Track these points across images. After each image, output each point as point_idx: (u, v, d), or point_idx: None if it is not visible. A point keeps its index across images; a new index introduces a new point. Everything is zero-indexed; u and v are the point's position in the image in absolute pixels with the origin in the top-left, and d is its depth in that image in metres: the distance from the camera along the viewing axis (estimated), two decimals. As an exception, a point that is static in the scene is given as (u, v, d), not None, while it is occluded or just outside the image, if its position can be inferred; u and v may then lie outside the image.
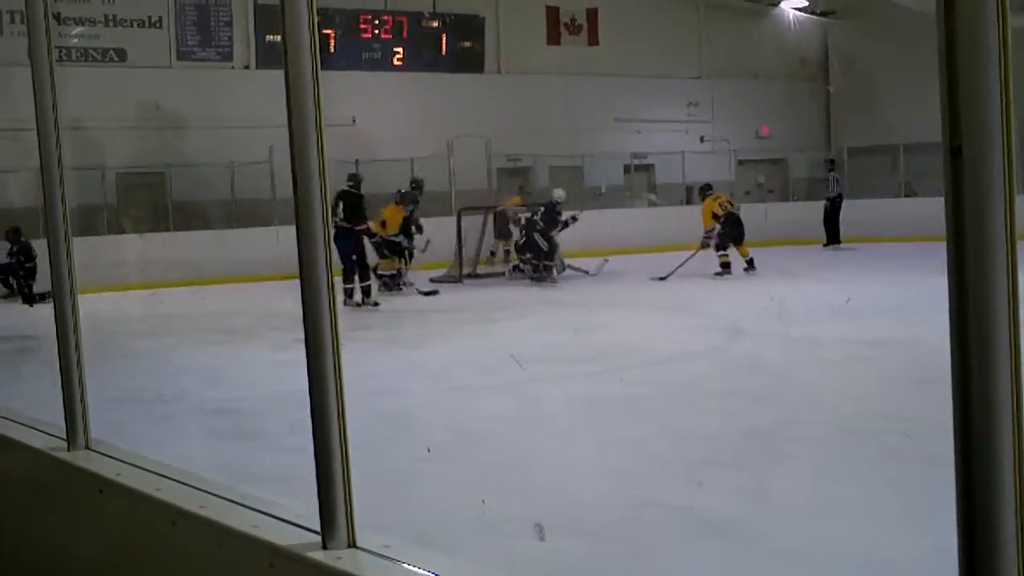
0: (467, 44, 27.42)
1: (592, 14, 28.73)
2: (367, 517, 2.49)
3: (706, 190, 20.44)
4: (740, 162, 29.99)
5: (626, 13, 28.66)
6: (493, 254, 21.81)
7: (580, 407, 9.48)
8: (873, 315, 13.79)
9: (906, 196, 27.34)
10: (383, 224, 18.50)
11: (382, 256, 18.42)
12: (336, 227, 16.52)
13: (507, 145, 26.36)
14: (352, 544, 2.43)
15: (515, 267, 20.34)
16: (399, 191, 19.45)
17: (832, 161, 28.13)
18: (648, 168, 28.37)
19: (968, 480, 1.41)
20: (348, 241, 16.49)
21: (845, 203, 26.72)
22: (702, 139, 30.11)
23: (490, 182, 26.34)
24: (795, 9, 31.20)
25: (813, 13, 31.64)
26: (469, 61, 27.39)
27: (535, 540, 5.83)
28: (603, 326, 14.58)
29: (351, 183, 17.47)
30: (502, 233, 21.67)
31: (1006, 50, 1.40)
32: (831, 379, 10.41)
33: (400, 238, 18.43)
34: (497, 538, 6.05)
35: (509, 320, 15.53)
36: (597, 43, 28.79)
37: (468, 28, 27.37)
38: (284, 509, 2.69)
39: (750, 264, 19.53)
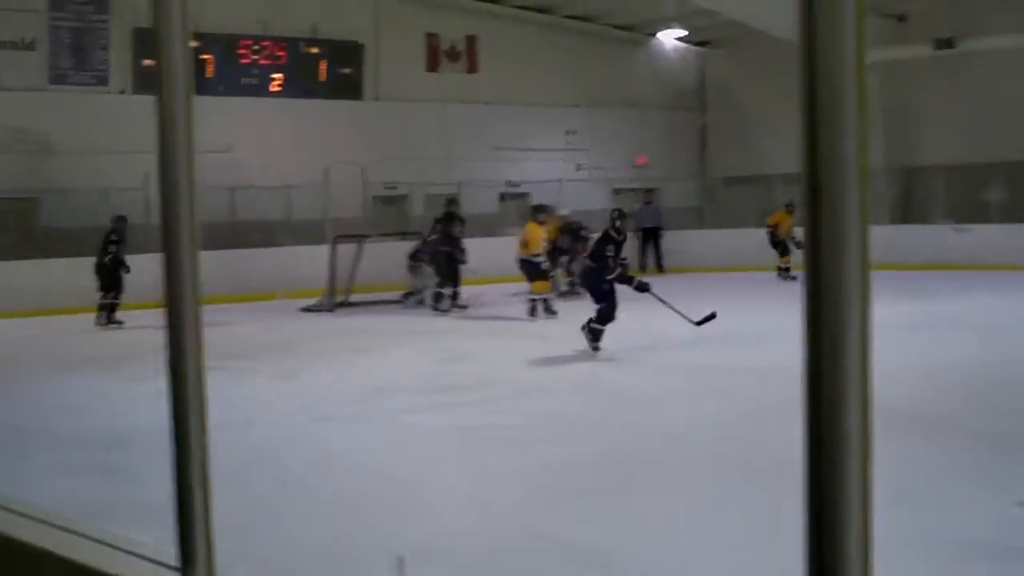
0: (346, 70, 27.27)
1: (471, 41, 28.80)
2: (228, 551, 2.44)
3: (538, 212, 19.84)
4: (616, 191, 30.23)
5: (506, 41, 28.77)
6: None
7: (451, 437, 9.47)
8: (742, 343, 13.96)
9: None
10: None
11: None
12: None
13: (384, 173, 26.28)
14: (211, 580, 2.38)
15: (408, 294, 20.39)
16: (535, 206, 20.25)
17: (649, 191, 28.91)
18: (523, 196, 28.42)
19: (816, 506, 1.44)
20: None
21: (712, 232, 27.54)
22: (578, 167, 30.29)
23: (365, 210, 26.24)
24: (673, 39, 31.56)
25: (691, 43, 32.05)
26: (347, 87, 27.24)
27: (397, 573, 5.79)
28: (475, 355, 14.57)
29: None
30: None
31: (863, 92, 1.44)
32: (702, 407, 10.52)
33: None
34: (361, 572, 6.00)
35: (381, 349, 15.40)
36: (476, 71, 28.85)
37: (347, 54, 27.24)
38: (141, 545, 2.63)
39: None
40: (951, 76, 26.12)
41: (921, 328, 14.18)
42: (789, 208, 23.81)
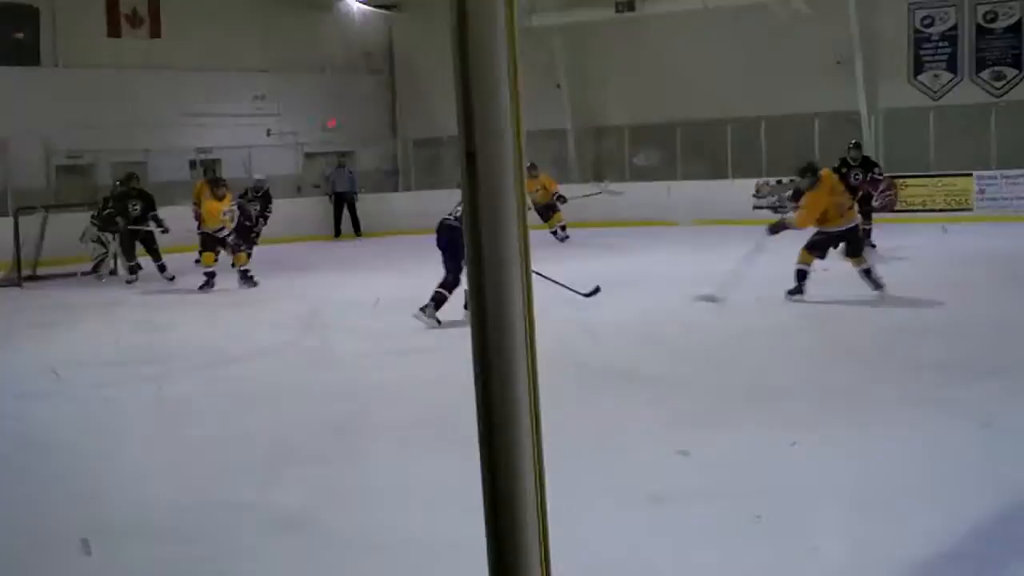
0: (20, 35, 26.19)
1: (154, 5, 28.06)
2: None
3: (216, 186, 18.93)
4: (307, 155, 30.10)
5: (190, 6, 28.08)
6: None
7: (146, 410, 9.39)
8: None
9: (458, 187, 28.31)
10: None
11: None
12: None
13: (68, 142, 25.42)
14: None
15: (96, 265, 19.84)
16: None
17: (342, 155, 29.08)
18: (215, 163, 27.99)
19: (491, 473, 1.56)
20: None
21: (407, 194, 27.83)
22: (268, 132, 29.97)
23: (49, 181, 25.35)
24: (358, 2, 31.49)
25: (376, 6, 32.03)
26: (23, 53, 26.11)
27: (82, 554, 5.75)
28: (170, 326, 14.36)
29: None
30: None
31: (515, 63, 1.55)
32: (404, 370, 10.67)
33: None
34: (47, 554, 5.95)
35: (73, 323, 14.88)
36: (160, 36, 28.14)
37: (20, 17, 26.10)
38: None
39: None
40: (631, 38, 27.02)
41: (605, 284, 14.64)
42: (531, 171, 22.79)
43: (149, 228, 19.14)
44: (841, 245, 13.48)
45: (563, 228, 23.25)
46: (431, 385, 9.78)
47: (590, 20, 27.14)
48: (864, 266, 13.42)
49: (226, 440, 8.18)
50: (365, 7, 31.56)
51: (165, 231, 19.11)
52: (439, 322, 12.53)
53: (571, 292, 13.02)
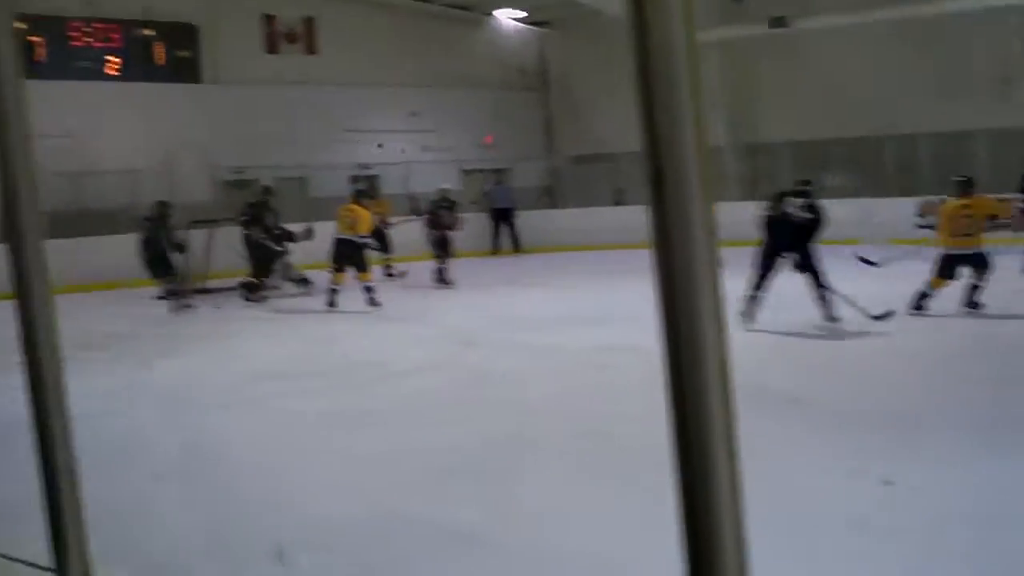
0: (182, 53, 26.75)
1: (309, 23, 28.48)
2: (103, 547, 2.31)
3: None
4: (465, 171, 30.22)
5: (345, 23, 28.48)
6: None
7: (319, 422, 9.35)
8: (596, 322, 14.03)
9: (616, 204, 28.23)
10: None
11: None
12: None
13: (230, 157, 25.87)
14: (88, 579, 2.25)
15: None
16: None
17: (499, 172, 29.04)
18: (373, 178, 28.29)
19: (688, 478, 1.42)
20: None
21: (565, 211, 27.70)
22: (425, 148, 30.18)
23: (215, 195, 25.81)
24: (512, 19, 31.61)
25: (529, 23, 32.10)
26: (185, 70, 26.68)
27: (275, 563, 5.69)
28: (337, 339, 14.41)
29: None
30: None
31: (696, 78, 1.41)
32: (565, 386, 10.52)
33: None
34: (236, 563, 5.88)
35: (243, 335, 15.11)
36: (316, 52, 28.55)
37: (182, 37, 26.68)
38: (13, 546, 2.48)
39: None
40: (785, 54, 26.62)
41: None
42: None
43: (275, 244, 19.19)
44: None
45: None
46: (597, 400, 9.70)
47: (742, 36, 26.77)
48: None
49: (396, 454, 8.11)
50: (518, 24, 31.66)
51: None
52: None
53: (861, 313, 12.75)
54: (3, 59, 2.19)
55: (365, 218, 17.25)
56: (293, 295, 19.02)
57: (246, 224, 19.27)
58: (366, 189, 20.05)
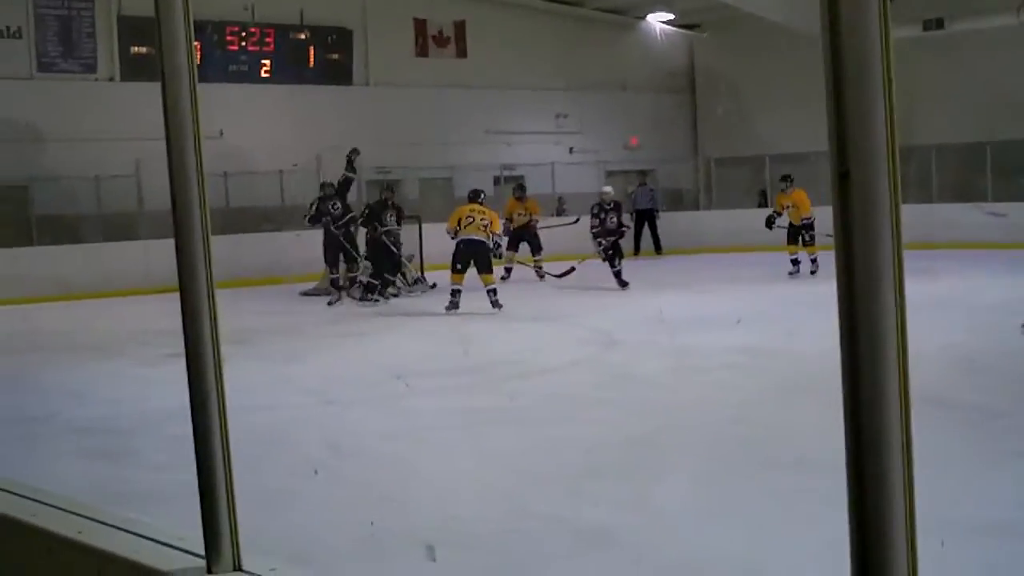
0: (335, 56, 27.26)
1: (460, 26, 28.75)
2: (250, 538, 2.43)
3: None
4: (609, 173, 30.22)
5: (494, 26, 28.74)
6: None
7: (456, 420, 9.44)
8: (736, 324, 13.93)
9: (764, 205, 27.99)
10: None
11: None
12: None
13: (376, 157, 26.23)
14: (238, 567, 2.37)
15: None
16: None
17: (643, 173, 28.87)
18: (518, 179, 28.46)
19: (859, 488, 1.42)
20: None
21: (709, 213, 27.52)
22: (571, 150, 30.29)
23: (359, 194, 26.18)
24: (661, 23, 31.55)
25: (679, 27, 32.02)
26: (337, 73, 27.21)
27: (419, 558, 5.78)
28: (476, 337, 14.54)
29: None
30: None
31: (890, 76, 1.42)
32: (707, 388, 10.49)
33: None
34: (381, 557, 5.99)
35: (381, 333, 15.40)
36: (465, 56, 28.83)
37: (336, 40, 27.21)
38: (166, 532, 2.61)
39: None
40: (941, 56, 26.10)
41: (921, 308, 14.13)
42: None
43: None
44: None
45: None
46: (736, 402, 9.64)
47: (896, 38, 26.23)
48: None
49: (534, 452, 8.15)
50: (668, 27, 31.57)
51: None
52: None
53: None
54: (179, 67, 2.33)
55: (495, 219, 17.28)
56: (412, 295, 19.14)
57: (365, 223, 19.35)
58: (517, 189, 20.30)
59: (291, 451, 8.42)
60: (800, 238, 20.40)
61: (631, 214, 27.39)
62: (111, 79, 24.44)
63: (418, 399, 10.26)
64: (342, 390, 11.04)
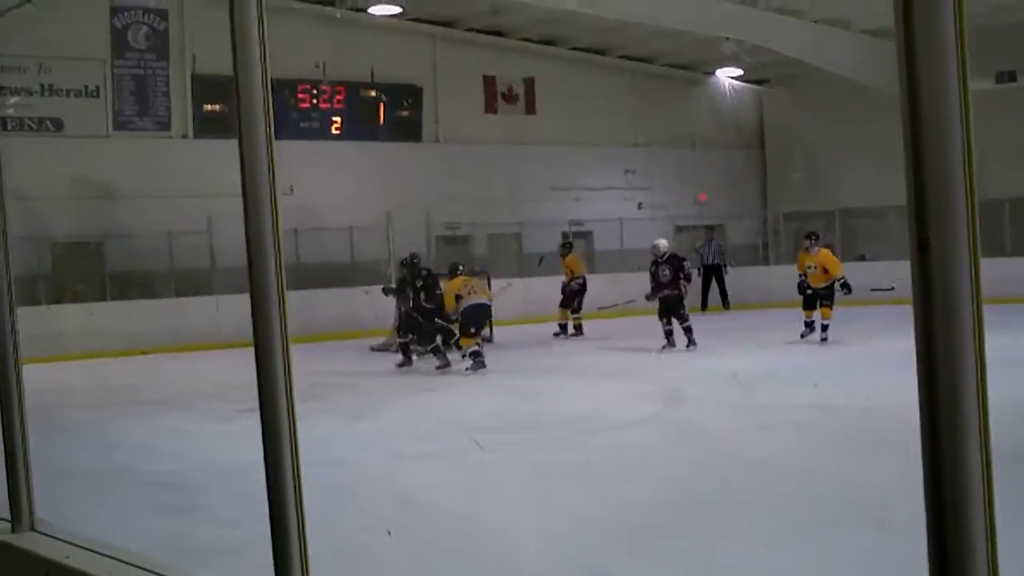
0: (405, 113, 27.51)
1: (529, 83, 28.92)
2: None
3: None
4: (678, 228, 30.20)
5: (563, 82, 28.89)
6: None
7: (524, 476, 9.42)
8: (807, 381, 13.83)
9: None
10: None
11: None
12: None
13: (445, 213, 26.42)
14: (310, 623, 2.38)
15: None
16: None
17: (711, 228, 28.78)
18: (586, 235, 28.50)
19: (940, 548, 1.41)
20: None
21: (778, 268, 27.37)
22: (640, 206, 30.31)
23: (429, 250, 26.35)
24: (730, 78, 31.56)
25: (748, 82, 32.01)
26: (407, 130, 27.45)
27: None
28: (543, 393, 14.53)
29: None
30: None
31: (970, 143, 1.41)
32: (772, 445, 10.38)
33: None
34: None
35: (448, 389, 15.44)
36: (535, 112, 28.97)
37: (406, 97, 27.48)
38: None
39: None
40: (1014, 108, 25.87)
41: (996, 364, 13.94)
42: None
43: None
44: None
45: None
46: (804, 459, 9.56)
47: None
48: None
49: (599, 508, 8.13)
50: (737, 83, 31.58)
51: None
52: None
53: None
54: (256, 126, 2.37)
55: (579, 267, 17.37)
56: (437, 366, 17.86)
57: (396, 294, 19.09)
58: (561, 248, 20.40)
59: (361, 507, 8.44)
60: (819, 302, 18.53)
61: (699, 269, 27.31)
62: (184, 136, 24.82)
63: (486, 455, 10.25)
64: (410, 445, 11.07)
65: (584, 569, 6.66)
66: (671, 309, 18.65)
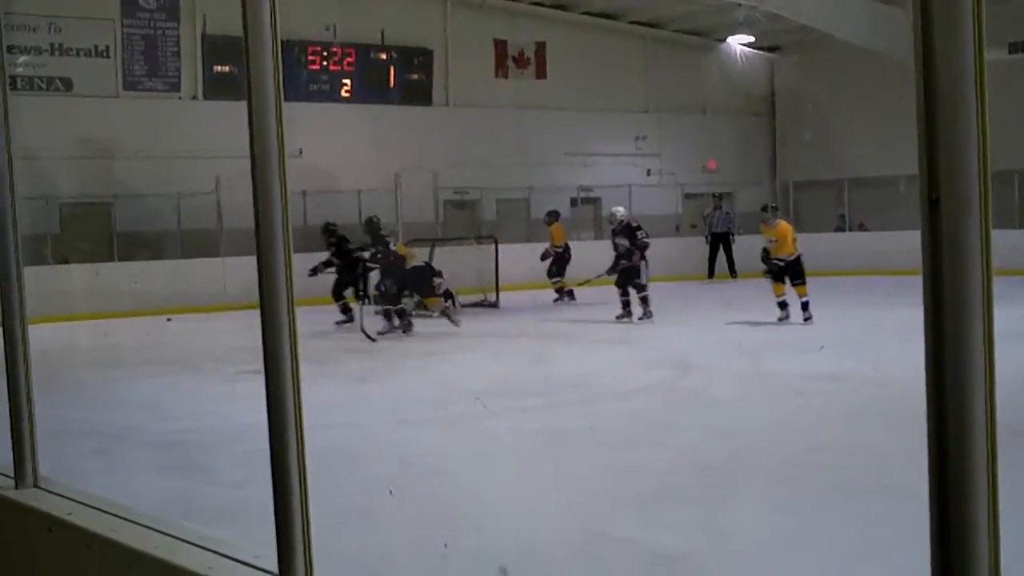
0: (415, 76, 27.44)
1: (540, 48, 28.82)
2: (322, 557, 2.43)
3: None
4: (687, 195, 30.15)
5: (574, 47, 28.80)
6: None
7: (530, 441, 9.41)
8: (814, 350, 13.82)
9: (842, 229, 27.88)
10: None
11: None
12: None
13: (454, 178, 26.39)
14: (311, 585, 2.37)
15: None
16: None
17: (718, 196, 28.59)
18: (595, 201, 28.46)
19: (942, 516, 1.40)
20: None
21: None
22: (649, 172, 30.24)
23: (437, 215, 26.34)
24: (742, 45, 31.43)
25: (759, 49, 31.89)
26: (417, 93, 27.38)
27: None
28: (550, 360, 14.50)
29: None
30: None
31: (984, 103, 1.40)
32: (780, 413, 10.39)
33: None
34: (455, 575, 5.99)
35: (455, 353, 15.45)
36: (545, 77, 28.88)
37: (416, 60, 27.41)
38: (240, 549, 2.63)
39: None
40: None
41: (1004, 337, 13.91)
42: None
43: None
44: None
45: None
46: (809, 428, 9.57)
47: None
48: None
49: (607, 475, 8.11)
50: (748, 49, 31.45)
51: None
52: None
53: None
54: (266, 88, 2.35)
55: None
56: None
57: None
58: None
59: (365, 470, 8.44)
60: (784, 278, 17.54)
61: (706, 237, 27.21)
62: (194, 98, 24.78)
63: (492, 419, 10.24)
64: (415, 409, 11.08)
65: (591, 536, 6.65)
66: (628, 279, 18.20)
